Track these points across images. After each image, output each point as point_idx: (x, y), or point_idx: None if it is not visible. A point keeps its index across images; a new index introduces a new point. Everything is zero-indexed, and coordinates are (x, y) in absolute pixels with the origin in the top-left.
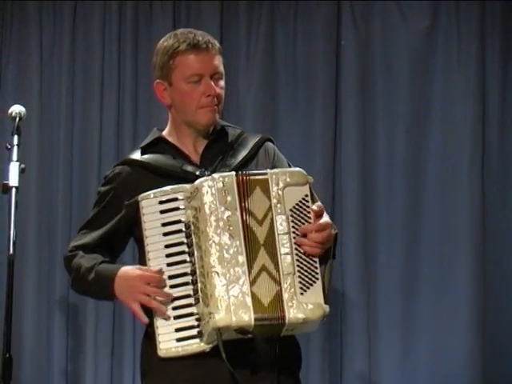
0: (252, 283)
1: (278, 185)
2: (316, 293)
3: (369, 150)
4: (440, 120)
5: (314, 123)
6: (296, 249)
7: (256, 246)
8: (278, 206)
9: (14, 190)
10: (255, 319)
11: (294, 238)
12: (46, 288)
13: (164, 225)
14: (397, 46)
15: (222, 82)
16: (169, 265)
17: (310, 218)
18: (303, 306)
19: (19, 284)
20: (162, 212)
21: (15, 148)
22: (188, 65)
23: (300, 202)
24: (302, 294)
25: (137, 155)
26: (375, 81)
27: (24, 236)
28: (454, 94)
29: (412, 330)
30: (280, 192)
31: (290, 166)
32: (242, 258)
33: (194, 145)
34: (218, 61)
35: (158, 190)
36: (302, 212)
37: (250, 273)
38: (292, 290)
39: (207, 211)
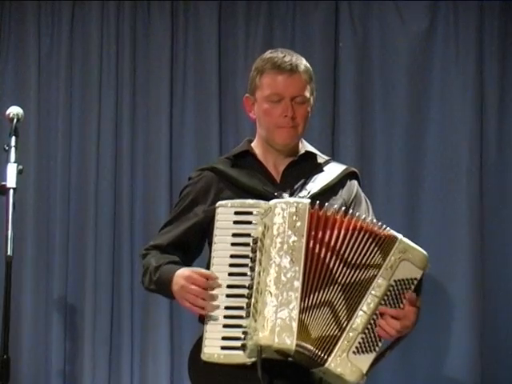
0: (303, 310)
1: (400, 253)
2: (365, 361)
3: (367, 150)
4: (438, 120)
5: (312, 123)
6: (376, 314)
7: (327, 279)
8: (388, 270)
9: (11, 191)
10: (297, 345)
11: (381, 304)
12: (44, 289)
13: (234, 235)
14: (395, 47)
15: (305, 106)
16: (230, 274)
17: (404, 299)
18: (348, 363)
19: (17, 285)
20: (235, 222)
21: (13, 149)
22: (269, 84)
23: (407, 280)
24: (354, 353)
25: (225, 166)
26: (373, 81)
27: (22, 237)
28: (452, 95)
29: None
30: (398, 261)
31: (368, 207)
32: (297, 284)
33: (275, 162)
34: (302, 84)
35: (236, 200)
36: (401, 290)
37: (302, 300)
38: (349, 344)
39: (275, 232)
